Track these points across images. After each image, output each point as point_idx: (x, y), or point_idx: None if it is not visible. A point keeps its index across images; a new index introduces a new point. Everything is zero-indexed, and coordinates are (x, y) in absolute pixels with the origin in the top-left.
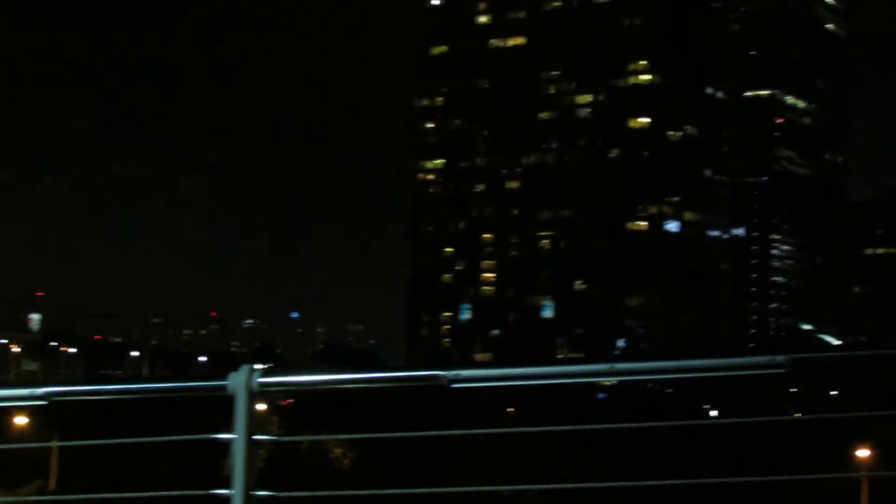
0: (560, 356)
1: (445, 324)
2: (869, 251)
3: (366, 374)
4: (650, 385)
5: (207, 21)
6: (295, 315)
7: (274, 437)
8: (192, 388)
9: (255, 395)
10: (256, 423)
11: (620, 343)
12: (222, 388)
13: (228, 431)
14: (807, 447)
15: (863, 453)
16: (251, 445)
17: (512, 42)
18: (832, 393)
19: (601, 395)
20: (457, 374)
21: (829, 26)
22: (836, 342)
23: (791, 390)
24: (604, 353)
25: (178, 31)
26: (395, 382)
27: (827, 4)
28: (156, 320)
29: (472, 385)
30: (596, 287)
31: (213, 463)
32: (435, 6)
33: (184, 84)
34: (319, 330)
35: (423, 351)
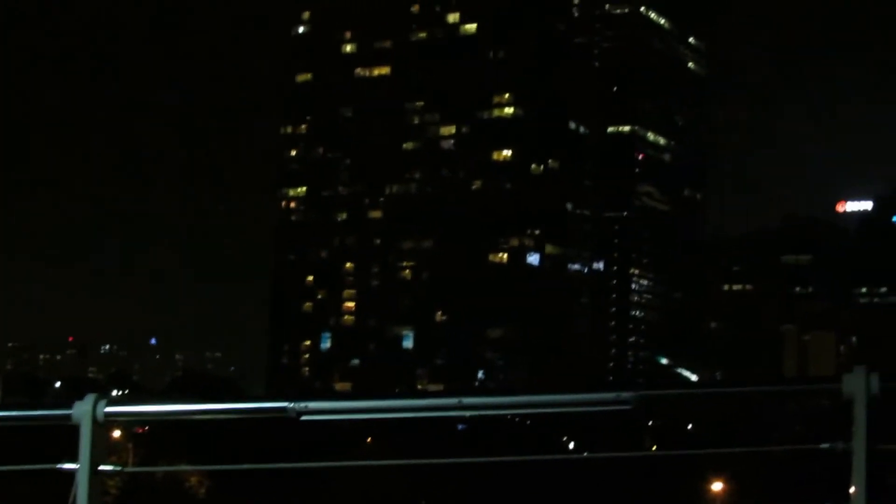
0: (420, 387)
1: (306, 352)
2: (726, 287)
3: (213, 404)
4: (510, 416)
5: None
6: (153, 341)
7: (120, 468)
8: (34, 418)
9: (101, 424)
10: (103, 452)
11: (480, 374)
12: (66, 417)
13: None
14: (662, 480)
15: (717, 486)
16: (95, 476)
17: (377, 72)
18: (688, 427)
19: (461, 426)
20: (305, 407)
21: (691, 65)
22: (692, 377)
23: (649, 423)
24: (464, 384)
25: None
26: (242, 414)
27: (689, 44)
28: (11, 344)
29: (320, 418)
30: (456, 318)
31: (63, 493)
32: (301, 34)
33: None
34: (178, 357)
35: (283, 379)
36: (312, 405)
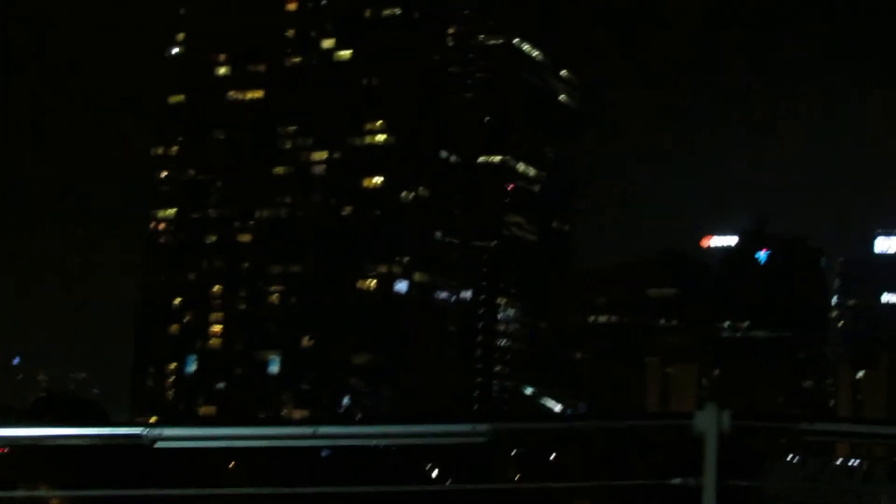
0: (285, 412)
1: (171, 375)
2: (592, 318)
3: (64, 429)
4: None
5: None
6: (16, 361)
7: None
8: None
9: None
10: None
11: (346, 401)
12: None
13: None
14: None
15: None
16: None
17: (250, 95)
18: (552, 456)
19: (324, 453)
20: (160, 433)
21: (562, 98)
22: (556, 406)
23: (512, 453)
24: (329, 410)
25: None
26: (96, 440)
27: (561, 77)
28: None
29: (174, 445)
30: (323, 344)
31: None
32: (175, 55)
33: None
34: (41, 377)
35: (148, 402)
36: (167, 432)
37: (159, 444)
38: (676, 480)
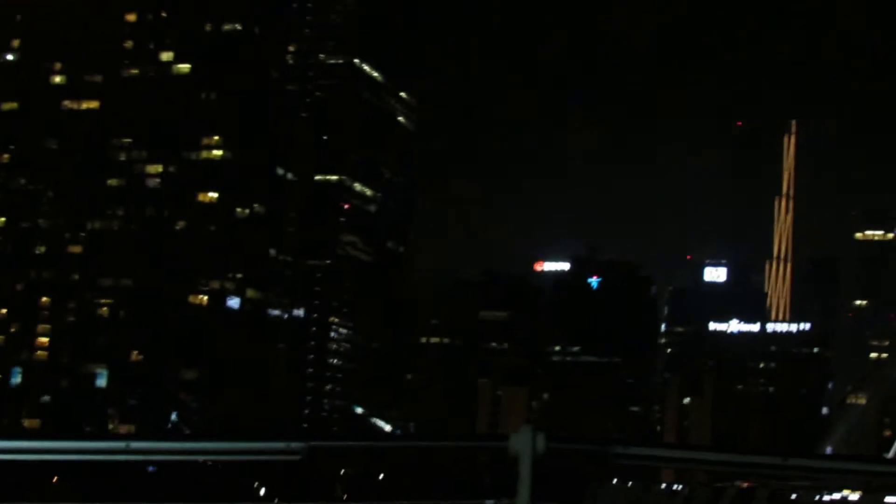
0: (111, 426)
1: None
2: (424, 339)
3: None
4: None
5: None
6: None
7: None
8: None
9: None
10: None
11: (174, 416)
12: None
13: None
14: None
15: None
16: None
17: (86, 105)
18: (380, 476)
19: (151, 468)
20: None
21: (401, 119)
22: (386, 427)
23: (341, 472)
24: (156, 425)
25: None
26: None
27: (399, 98)
28: None
29: None
30: (153, 358)
31: None
32: (9, 62)
33: None
34: None
35: None
36: None
37: None
38: (489, 502)
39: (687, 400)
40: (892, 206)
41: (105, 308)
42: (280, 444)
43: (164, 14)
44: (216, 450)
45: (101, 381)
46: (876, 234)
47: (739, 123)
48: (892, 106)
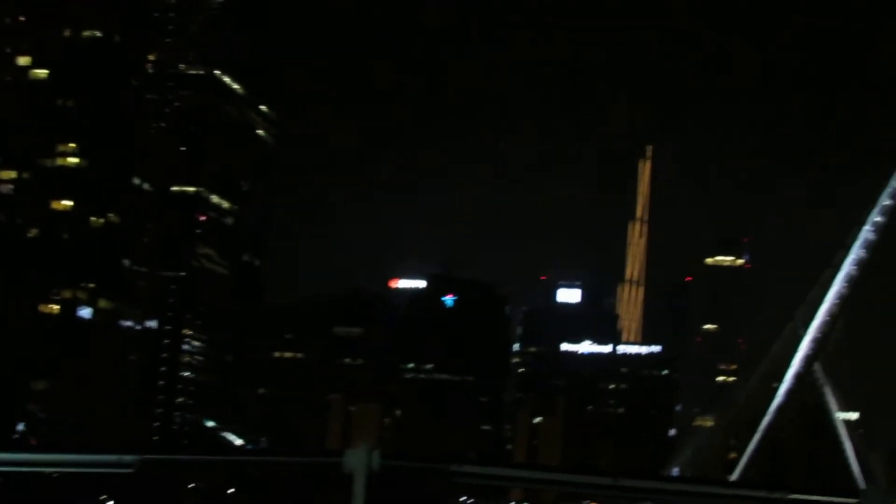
0: None
1: None
2: (278, 354)
3: None
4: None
5: None
6: None
7: None
8: None
9: None
10: None
11: (20, 427)
12: None
13: None
14: None
15: None
16: None
17: None
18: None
19: None
20: None
21: (261, 132)
22: (237, 441)
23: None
24: (1, 436)
25: None
26: None
27: (260, 111)
28: None
29: None
30: (1, 368)
31: None
32: None
33: None
34: None
35: None
36: None
37: None
38: None
39: (538, 419)
40: (744, 233)
41: None
42: (112, 458)
43: (21, 18)
44: (49, 462)
45: None
46: (726, 259)
47: (597, 149)
48: (751, 135)
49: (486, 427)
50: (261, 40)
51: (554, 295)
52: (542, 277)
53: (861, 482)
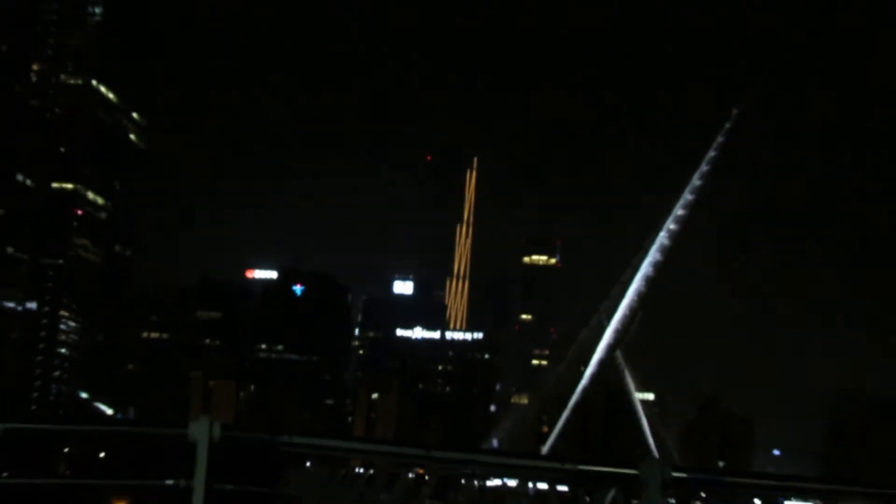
0: None
1: None
2: (145, 334)
3: None
4: None
5: None
6: None
7: None
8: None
9: None
10: None
11: None
12: None
13: None
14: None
15: None
16: None
17: None
18: (101, 455)
19: None
20: None
21: (132, 137)
22: (108, 411)
23: (64, 449)
24: None
25: None
26: None
27: (132, 118)
28: None
29: None
30: None
31: None
32: None
33: None
34: None
35: None
36: None
37: None
38: (169, 481)
39: (375, 395)
40: (555, 235)
41: None
42: None
43: None
44: None
45: None
46: (541, 258)
47: (429, 158)
48: (564, 147)
49: (329, 402)
50: (135, 54)
51: (390, 286)
52: (380, 271)
53: (656, 453)
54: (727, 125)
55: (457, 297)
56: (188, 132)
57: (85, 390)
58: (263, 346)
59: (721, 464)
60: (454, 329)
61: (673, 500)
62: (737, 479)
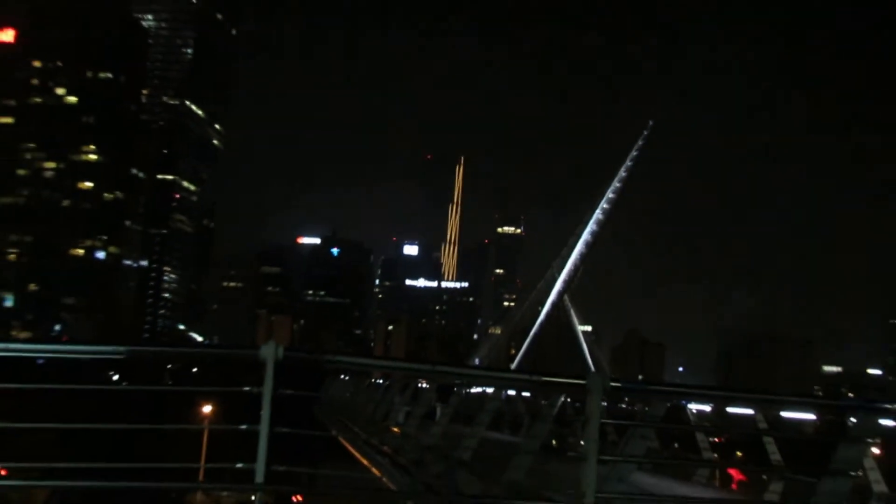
0: (13, 333)
1: None
2: (225, 283)
3: None
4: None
5: None
6: None
7: None
8: (227, 355)
9: None
10: None
11: (57, 328)
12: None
13: None
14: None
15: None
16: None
17: (3, 120)
18: (194, 370)
19: (40, 361)
20: None
21: (215, 141)
22: (199, 338)
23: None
24: (45, 333)
25: None
26: None
27: (214, 127)
28: None
29: None
30: (45, 288)
31: None
32: None
33: None
34: None
35: None
36: None
37: None
38: (246, 388)
39: (390, 328)
40: (520, 212)
41: (13, 255)
42: (110, 348)
43: (59, 63)
44: (66, 350)
45: (9, 303)
46: (510, 229)
47: (430, 157)
48: (528, 148)
49: (357, 332)
50: (215, 81)
51: (401, 249)
52: (393, 238)
53: (593, 369)
54: (644, 132)
55: (449, 257)
56: (254, 135)
57: (182, 323)
58: (310, 292)
59: (640, 377)
60: (447, 280)
61: (605, 403)
62: (653, 387)
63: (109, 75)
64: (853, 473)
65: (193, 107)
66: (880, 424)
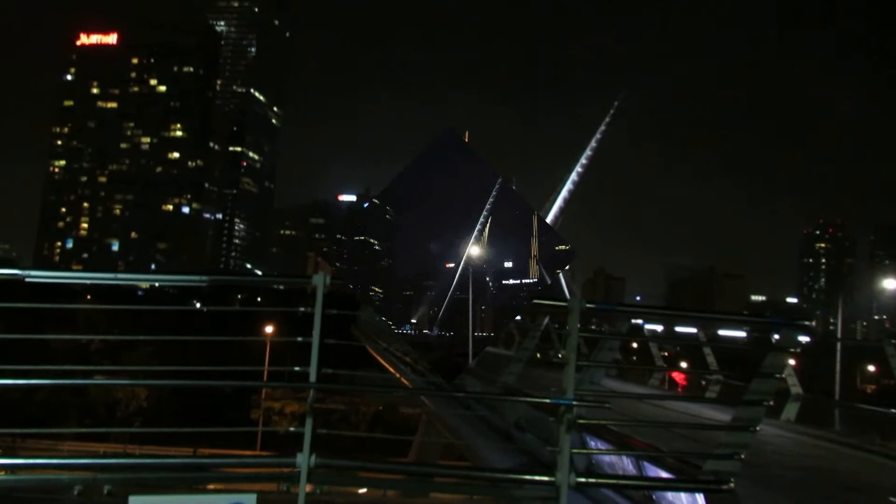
0: (120, 267)
1: (57, 249)
2: (282, 232)
3: None
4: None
5: None
6: None
7: None
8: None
9: None
10: None
11: (152, 266)
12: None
13: None
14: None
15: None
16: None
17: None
18: (258, 299)
19: (140, 293)
20: (28, 273)
21: (274, 121)
22: (259, 272)
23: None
24: (143, 270)
25: None
26: None
27: (273, 110)
28: None
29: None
30: (143, 237)
31: None
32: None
33: None
34: None
35: (44, 265)
36: (35, 273)
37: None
38: (301, 308)
39: None
40: (512, 175)
41: (118, 210)
42: (195, 277)
43: (152, 59)
44: (158, 279)
45: (115, 247)
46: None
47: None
48: (516, 125)
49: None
50: (275, 72)
51: None
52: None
53: (567, 296)
54: (611, 110)
55: None
56: (308, 110)
57: (249, 263)
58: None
59: None
60: None
61: (579, 324)
62: (619, 307)
63: (191, 69)
64: (778, 376)
65: (257, 93)
66: (798, 339)
